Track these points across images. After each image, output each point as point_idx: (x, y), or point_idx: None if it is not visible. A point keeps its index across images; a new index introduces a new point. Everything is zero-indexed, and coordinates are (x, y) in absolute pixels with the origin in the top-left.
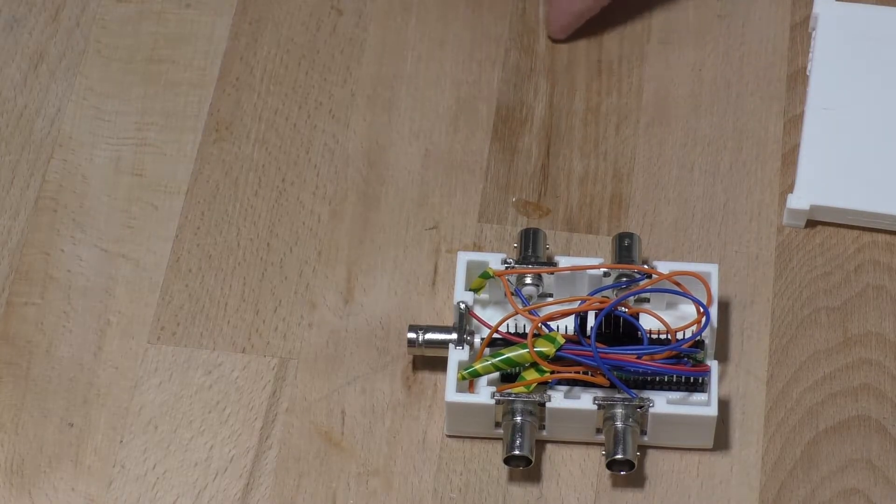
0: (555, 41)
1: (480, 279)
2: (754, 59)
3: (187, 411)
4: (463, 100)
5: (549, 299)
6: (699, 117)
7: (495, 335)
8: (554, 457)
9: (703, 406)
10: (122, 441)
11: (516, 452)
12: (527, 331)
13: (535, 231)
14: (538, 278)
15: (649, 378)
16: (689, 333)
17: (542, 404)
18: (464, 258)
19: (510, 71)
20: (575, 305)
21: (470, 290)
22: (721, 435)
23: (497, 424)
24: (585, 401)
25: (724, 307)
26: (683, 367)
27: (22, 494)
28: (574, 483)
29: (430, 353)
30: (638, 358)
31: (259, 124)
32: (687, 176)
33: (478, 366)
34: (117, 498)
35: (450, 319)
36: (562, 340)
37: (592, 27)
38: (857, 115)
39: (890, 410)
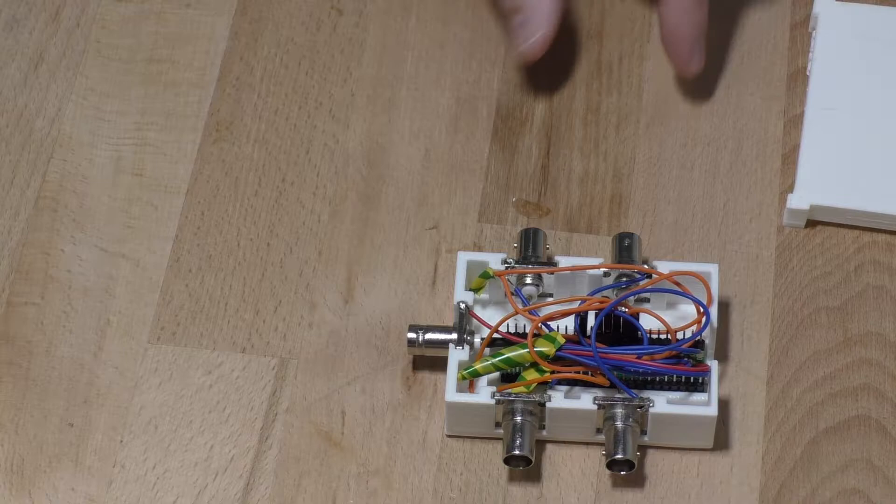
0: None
1: (480, 279)
2: (754, 59)
3: (187, 411)
4: (463, 100)
5: (549, 299)
6: (699, 117)
7: (495, 335)
8: (554, 457)
9: (703, 406)
10: (122, 441)
11: (516, 452)
12: (527, 331)
13: (535, 231)
14: (538, 278)
15: (649, 378)
16: (689, 333)
17: (542, 404)
18: (464, 258)
19: (510, 71)
20: (575, 305)
21: (470, 290)
22: (721, 435)
23: (497, 424)
24: (585, 401)
25: (724, 307)
26: (683, 367)
27: (22, 494)
28: (574, 483)
29: (430, 353)
30: (638, 358)
31: (259, 124)
32: (687, 176)
33: (478, 366)
34: (117, 498)
35: (450, 319)
36: (562, 340)
37: (593, 27)
38: (857, 115)
39: (890, 410)
